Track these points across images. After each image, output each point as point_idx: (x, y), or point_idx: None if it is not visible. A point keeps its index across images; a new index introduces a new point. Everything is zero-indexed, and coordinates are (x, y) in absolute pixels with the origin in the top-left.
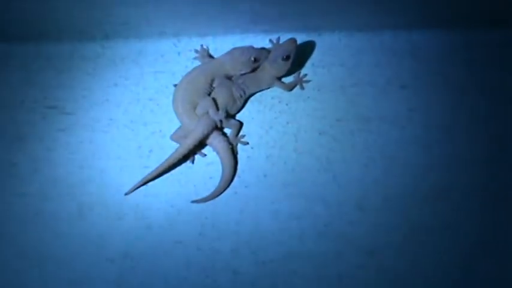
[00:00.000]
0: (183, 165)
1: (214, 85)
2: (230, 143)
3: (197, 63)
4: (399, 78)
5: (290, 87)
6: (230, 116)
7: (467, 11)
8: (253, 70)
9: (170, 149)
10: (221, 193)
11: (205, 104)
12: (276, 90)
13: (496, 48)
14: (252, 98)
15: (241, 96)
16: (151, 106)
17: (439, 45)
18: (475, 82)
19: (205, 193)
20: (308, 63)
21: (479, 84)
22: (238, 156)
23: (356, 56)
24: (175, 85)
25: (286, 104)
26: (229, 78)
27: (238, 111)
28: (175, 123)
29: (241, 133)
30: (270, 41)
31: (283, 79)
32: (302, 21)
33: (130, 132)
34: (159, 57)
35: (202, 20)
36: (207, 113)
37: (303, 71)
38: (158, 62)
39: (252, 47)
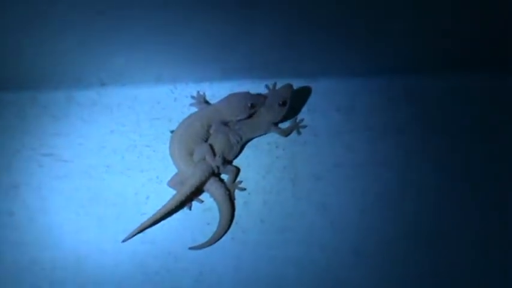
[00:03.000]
0: (180, 211)
1: (211, 131)
2: (227, 189)
3: (194, 109)
4: (395, 123)
5: (287, 133)
6: (227, 161)
7: (461, 54)
8: (250, 116)
9: (167, 195)
10: (219, 239)
11: (202, 150)
12: (273, 136)
13: (491, 91)
14: (248, 144)
15: (238, 142)
16: (148, 153)
17: (434, 89)
18: (471, 125)
19: (203, 239)
20: (304, 109)
21: (474, 127)
22: (236, 201)
23: (352, 100)
24: (172, 131)
25: (283, 150)
26: (225, 124)
27: (235, 157)
28: (172, 170)
29: (238, 179)
30: (266, 86)
31: (280, 124)
32: (298, 67)
33: (127, 179)
34: (156, 104)
35: (199, 66)
36: (204, 159)
37: (300, 116)
38: (154, 109)
39: (248, 93)
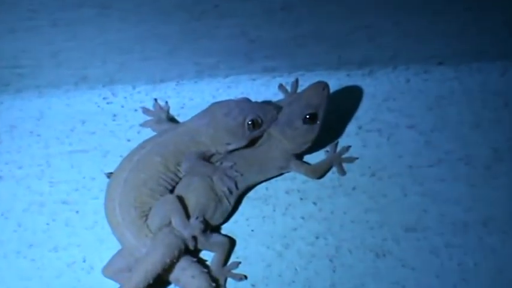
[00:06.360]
0: None
1: (180, 173)
2: (212, 279)
3: (149, 133)
4: None
5: (320, 172)
6: (211, 228)
7: None
8: (252, 143)
9: None
10: None
11: (166, 207)
12: (295, 178)
13: None
14: (250, 194)
15: (230, 192)
16: (66, 215)
17: None
18: None
19: None
20: (351, 126)
21: None
22: None
23: (438, 108)
24: (109, 175)
25: (314, 203)
26: (207, 158)
27: (226, 220)
28: (112, 246)
29: (232, 259)
30: (281, 87)
31: (307, 157)
32: (335, 51)
33: (29, 265)
34: (78, 125)
35: (157, 56)
36: (169, 224)
37: (342, 141)
38: (76, 134)
39: (247, 101)
